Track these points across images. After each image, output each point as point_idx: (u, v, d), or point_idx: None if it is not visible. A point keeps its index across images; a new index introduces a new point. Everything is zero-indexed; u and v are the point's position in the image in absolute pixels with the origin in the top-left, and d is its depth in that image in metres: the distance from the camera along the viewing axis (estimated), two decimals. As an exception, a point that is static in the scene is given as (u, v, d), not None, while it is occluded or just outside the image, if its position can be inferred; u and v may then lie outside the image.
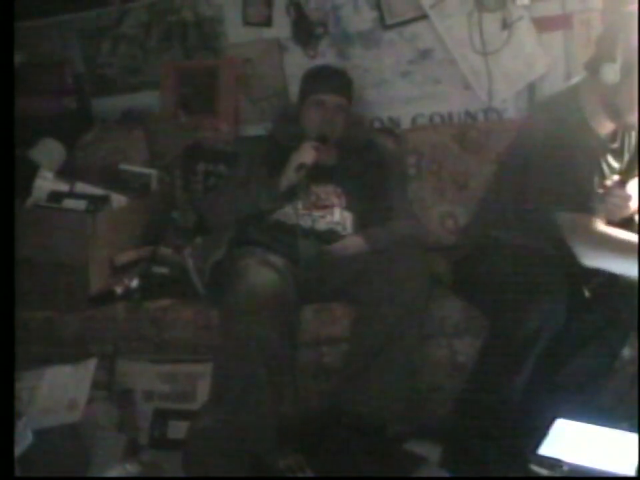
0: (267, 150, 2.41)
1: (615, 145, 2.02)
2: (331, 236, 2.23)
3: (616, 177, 2.02)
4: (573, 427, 1.78)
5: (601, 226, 1.92)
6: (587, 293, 1.99)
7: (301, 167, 2.19)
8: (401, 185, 2.50)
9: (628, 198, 2.03)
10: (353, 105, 2.47)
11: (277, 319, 1.90)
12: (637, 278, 1.85)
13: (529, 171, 1.98)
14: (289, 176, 2.20)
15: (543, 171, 1.94)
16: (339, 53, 2.76)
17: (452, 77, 2.68)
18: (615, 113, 1.93)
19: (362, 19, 2.72)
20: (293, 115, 2.46)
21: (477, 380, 1.94)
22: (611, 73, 1.86)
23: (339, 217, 2.28)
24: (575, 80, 2.05)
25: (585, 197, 1.92)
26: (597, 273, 1.96)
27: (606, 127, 1.97)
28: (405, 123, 2.75)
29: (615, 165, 2.02)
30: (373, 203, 2.35)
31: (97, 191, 2.43)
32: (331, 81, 2.41)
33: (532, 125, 2.07)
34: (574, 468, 1.65)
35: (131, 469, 1.87)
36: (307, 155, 2.21)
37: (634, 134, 2.04)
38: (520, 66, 2.59)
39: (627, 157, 2.06)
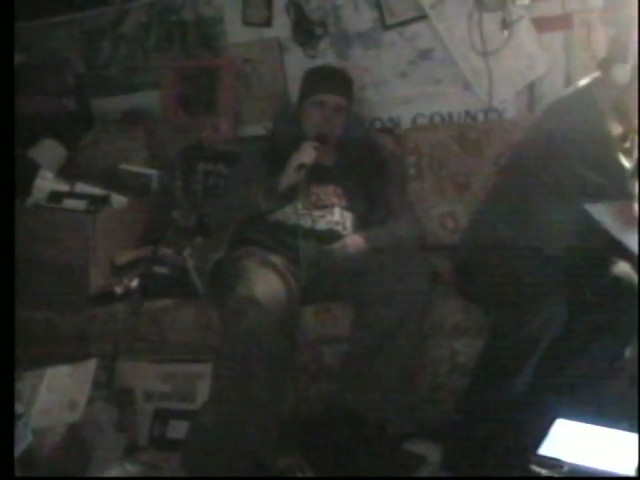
0: (267, 150, 2.41)
1: (627, 145, 2.02)
2: (330, 236, 2.23)
3: None
4: (573, 427, 1.78)
5: None
6: (588, 294, 1.99)
7: (300, 167, 2.19)
8: (401, 185, 2.50)
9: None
10: (352, 105, 2.47)
11: (277, 319, 1.90)
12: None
13: (553, 167, 1.96)
14: (289, 176, 2.20)
15: (571, 166, 1.92)
16: (339, 53, 2.76)
17: (452, 77, 2.68)
18: (622, 114, 1.93)
19: (362, 19, 2.72)
20: (293, 115, 2.46)
21: (477, 380, 1.94)
22: (621, 74, 1.87)
23: (339, 216, 2.28)
24: (586, 79, 2.05)
25: (623, 183, 1.91)
26: (599, 274, 1.96)
27: (617, 127, 1.97)
28: (405, 123, 2.75)
29: (626, 164, 2.01)
30: (373, 202, 2.35)
31: (97, 190, 2.43)
32: (331, 81, 2.40)
33: (547, 123, 2.06)
34: (574, 468, 1.65)
35: (131, 468, 1.88)
36: (306, 154, 2.21)
37: None
38: (520, 66, 2.59)
39: (637, 156, 2.05)
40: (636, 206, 1.91)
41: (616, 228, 1.91)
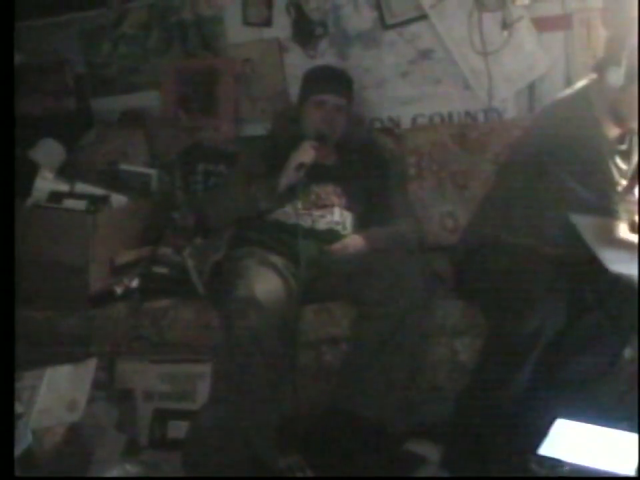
0: (266, 150, 2.41)
1: (623, 147, 2.02)
2: (330, 236, 2.23)
3: (624, 182, 2.02)
4: (573, 426, 1.78)
5: (624, 230, 1.92)
6: (587, 294, 1.99)
7: (300, 166, 2.19)
8: (401, 185, 2.50)
9: (637, 202, 2.04)
10: (352, 105, 2.46)
11: (277, 319, 1.90)
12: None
13: (543, 173, 1.98)
14: (289, 176, 2.20)
15: (560, 175, 1.94)
16: (339, 53, 2.76)
17: (452, 76, 2.67)
18: (618, 117, 1.94)
19: (362, 19, 2.72)
20: (293, 115, 2.46)
21: (477, 380, 1.94)
22: (615, 77, 1.87)
23: (338, 216, 2.28)
24: (583, 82, 2.05)
25: (608, 201, 1.92)
26: (599, 274, 1.96)
27: (614, 129, 1.97)
28: (405, 123, 2.75)
29: (623, 166, 2.02)
30: (373, 202, 2.35)
31: (97, 190, 2.43)
32: (331, 81, 2.40)
33: (542, 126, 2.07)
34: (574, 468, 1.65)
35: (131, 469, 1.87)
36: (306, 154, 2.21)
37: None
38: (520, 66, 2.59)
39: (634, 159, 2.06)
40: (618, 224, 1.92)
41: (594, 244, 1.92)
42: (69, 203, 2.38)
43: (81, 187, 2.43)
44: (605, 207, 1.92)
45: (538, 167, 1.99)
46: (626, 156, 2.03)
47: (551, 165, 1.96)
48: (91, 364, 2.07)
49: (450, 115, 2.72)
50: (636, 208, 2.05)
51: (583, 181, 1.91)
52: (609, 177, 1.95)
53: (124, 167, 2.69)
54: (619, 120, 1.95)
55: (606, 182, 1.94)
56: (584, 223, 1.94)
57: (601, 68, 1.95)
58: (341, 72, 2.49)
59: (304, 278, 2.08)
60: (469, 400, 1.93)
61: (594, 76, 2.01)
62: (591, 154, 1.93)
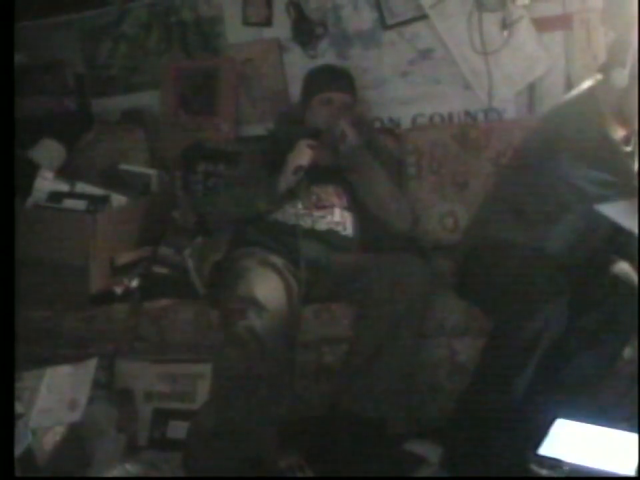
0: (267, 150, 2.41)
1: (629, 149, 2.02)
2: (330, 236, 2.23)
3: None
4: (573, 427, 1.78)
5: None
6: (588, 294, 1.99)
7: (298, 169, 2.18)
8: (400, 185, 2.49)
9: None
10: (357, 103, 2.47)
11: (277, 319, 1.90)
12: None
13: (551, 172, 1.97)
14: (287, 179, 2.20)
15: (576, 167, 1.92)
16: (339, 53, 2.76)
17: (452, 77, 2.68)
18: (623, 117, 1.94)
19: (362, 19, 2.72)
20: (295, 115, 2.46)
21: (478, 380, 1.93)
22: (619, 78, 1.87)
23: (339, 217, 2.28)
24: (588, 82, 2.05)
25: (634, 180, 1.91)
26: (599, 273, 1.96)
27: (619, 130, 1.97)
28: (405, 123, 2.75)
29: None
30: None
31: (97, 190, 2.42)
32: (336, 79, 2.41)
33: (548, 126, 2.06)
34: (574, 468, 1.65)
35: (131, 469, 1.87)
36: (302, 156, 2.19)
37: None
38: (520, 66, 2.59)
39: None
40: None
41: (635, 225, 1.91)
42: (69, 203, 2.38)
43: (81, 187, 2.43)
44: (633, 186, 1.90)
45: (544, 165, 1.98)
46: (631, 158, 2.02)
47: (562, 159, 1.94)
48: (91, 364, 2.07)
49: (450, 115, 2.72)
50: None
51: (602, 167, 1.89)
52: (627, 161, 1.94)
53: (124, 166, 2.69)
54: (624, 121, 1.95)
55: (624, 164, 1.93)
56: (616, 210, 1.91)
57: (606, 69, 1.95)
58: (344, 70, 2.49)
59: (304, 278, 2.08)
60: (469, 400, 1.93)
61: (599, 76, 2.00)
62: (603, 145, 1.92)
